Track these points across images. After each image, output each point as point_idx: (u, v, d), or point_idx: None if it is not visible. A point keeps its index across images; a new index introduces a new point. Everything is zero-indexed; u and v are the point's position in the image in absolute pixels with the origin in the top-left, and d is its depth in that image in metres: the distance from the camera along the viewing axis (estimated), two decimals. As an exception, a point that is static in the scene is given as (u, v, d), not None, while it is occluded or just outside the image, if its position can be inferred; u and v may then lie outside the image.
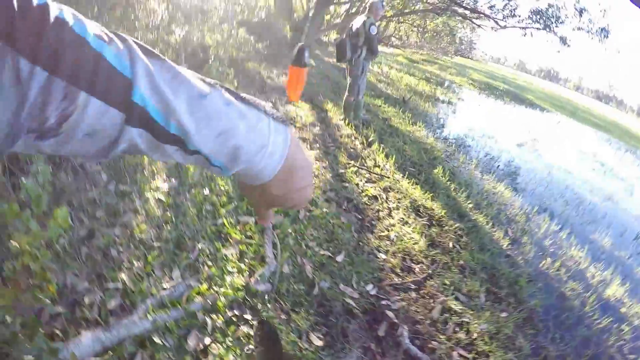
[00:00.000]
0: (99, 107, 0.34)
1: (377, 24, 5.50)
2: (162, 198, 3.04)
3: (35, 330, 1.32)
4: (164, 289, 2.21)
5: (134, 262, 2.37)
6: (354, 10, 15.49)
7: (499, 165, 6.77)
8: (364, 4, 6.08)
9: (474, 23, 14.99)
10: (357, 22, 5.50)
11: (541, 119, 16.01)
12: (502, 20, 13.52)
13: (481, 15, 13.63)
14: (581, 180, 7.86)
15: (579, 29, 12.46)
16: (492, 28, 14.00)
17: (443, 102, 11.43)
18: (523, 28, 13.35)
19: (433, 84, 14.33)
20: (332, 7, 15.48)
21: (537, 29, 13.04)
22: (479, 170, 5.97)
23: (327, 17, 15.89)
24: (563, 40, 13.14)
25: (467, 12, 13.86)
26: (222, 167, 0.44)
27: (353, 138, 5.40)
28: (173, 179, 3.29)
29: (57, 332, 1.83)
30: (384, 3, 5.89)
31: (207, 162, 0.43)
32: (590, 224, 5.49)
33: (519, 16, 13.23)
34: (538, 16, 12.79)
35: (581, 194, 6.83)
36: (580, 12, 12.30)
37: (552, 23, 12.67)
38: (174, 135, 0.39)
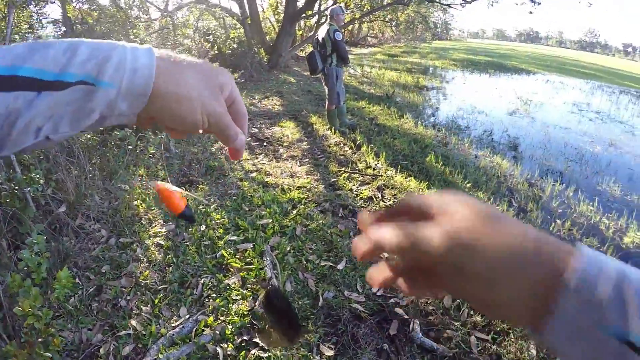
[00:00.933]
0: None
1: (341, 29, 5.59)
2: (162, 242, 3.12)
3: None
4: (173, 327, 2.28)
5: (142, 307, 2.45)
6: (323, 20, 15.73)
7: (492, 139, 6.78)
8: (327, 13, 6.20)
9: (442, 4, 15.11)
10: (321, 32, 5.60)
11: (529, 82, 15.90)
12: (467, -5, 13.62)
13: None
14: (580, 134, 7.79)
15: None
16: (460, 5, 14.08)
17: (428, 89, 11.49)
18: None
19: (416, 73, 14.40)
20: (302, 22, 15.71)
21: None
22: (475, 148, 5.99)
23: (299, 32, 16.12)
24: (532, 0, 13.18)
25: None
26: (101, 83, 0.39)
27: (341, 145, 5.46)
28: (170, 222, 3.37)
29: None
30: (343, 8, 5.96)
31: (84, 86, 0.39)
32: (595, 176, 5.43)
33: None
34: None
35: (582, 147, 6.76)
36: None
37: None
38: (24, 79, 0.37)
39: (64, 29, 7.95)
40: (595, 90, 15.66)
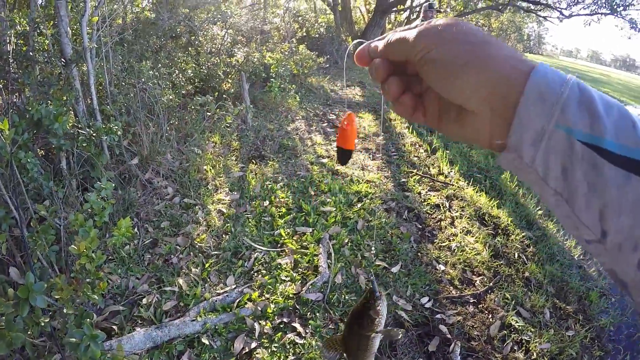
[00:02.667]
0: None
1: None
2: (224, 210, 3.17)
3: (84, 319, 1.45)
4: (218, 294, 2.30)
5: (192, 268, 2.50)
6: (414, 16, 15.36)
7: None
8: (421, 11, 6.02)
9: (539, 16, 14.20)
10: (412, 29, 5.45)
11: None
12: (566, 9, 12.69)
13: (544, 6, 12.91)
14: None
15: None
16: (557, 18, 13.16)
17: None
18: (589, 15, 12.44)
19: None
20: (392, 16, 15.44)
21: (604, 14, 12.08)
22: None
23: (389, 25, 15.86)
24: (633, 25, 12.05)
25: (530, 4, 13.21)
26: None
27: (417, 146, 5.30)
28: (235, 192, 3.42)
29: (115, 327, 1.98)
30: (433, 5, 5.74)
31: None
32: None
33: (584, 1, 12.36)
34: (604, 0, 11.86)
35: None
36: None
37: (619, 7, 11.67)
38: None
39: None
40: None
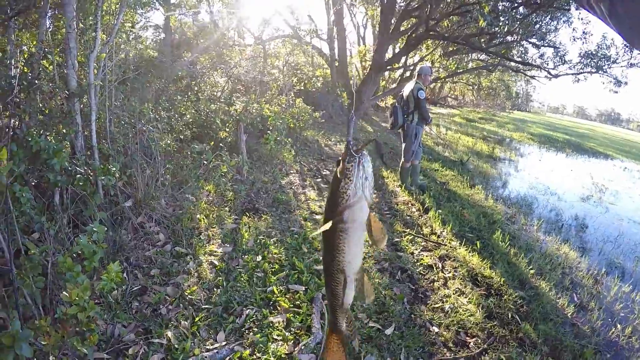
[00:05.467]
0: None
1: (425, 88, 5.58)
2: (216, 262, 3.13)
3: None
4: (208, 350, 2.23)
5: (182, 321, 2.43)
6: (408, 74, 15.90)
7: (562, 225, 6.35)
8: (415, 70, 6.25)
9: (527, 75, 14.84)
10: (407, 89, 5.64)
11: (606, 167, 14.89)
12: (554, 69, 13.31)
13: (532, 66, 13.53)
14: (656, 233, 7.14)
15: (631, 65, 11.93)
16: (545, 77, 13.76)
17: (502, 160, 11.13)
18: (576, 74, 13.03)
19: (491, 142, 14.04)
20: (386, 73, 15.98)
21: (590, 72, 12.67)
22: (542, 231, 5.64)
23: (382, 82, 16.38)
24: (617, 82, 12.63)
25: (519, 65, 13.83)
26: None
27: (409, 205, 5.34)
28: (227, 245, 3.39)
29: None
30: (432, 68, 5.99)
31: None
32: (667, 282, 4.91)
33: (570, 62, 12.97)
34: (589, 59, 12.45)
35: (656, 248, 6.17)
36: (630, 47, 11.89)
37: (604, 64, 12.28)
38: None
39: (163, 35, 8.56)
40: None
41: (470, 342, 2.76)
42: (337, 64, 13.06)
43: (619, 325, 3.47)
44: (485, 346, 2.73)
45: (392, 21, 12.21)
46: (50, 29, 4.00)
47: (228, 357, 2.19)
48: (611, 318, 3.64)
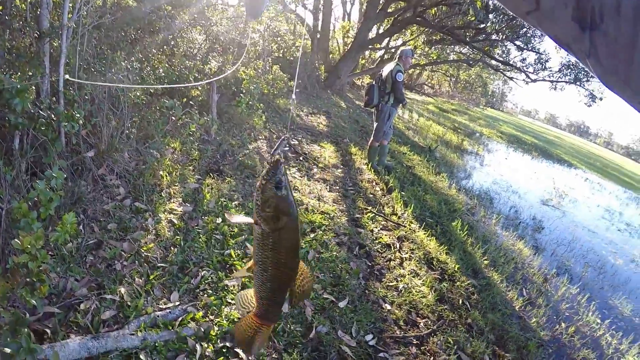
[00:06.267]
0: None
1: (404, 71, 5.58)
2: (175, 221, 3.06)
3: (21, 326, 1.33)
4: (160, 309, 2.19)
5: (136, 278, 2.38)
6: (388, 56, 15.86)
7: (520, 222, 6.60)
8: (396, 52, 6.21)
9: (506, 76, 15.14)
10: (386, 69, 5.62)
11: (569, 175, 15.54)
12: (533, 73, 13.62)
13: (513, 68, 13.80)
14: (606, 241, 7.51)
15: (609, 83, 12.52)
16: (523, 80, 14.09)
17: (470, 153, 11.37)
18: (554, 82, 13.39)
19: (461, 134, 14.30)
20: (367, 52, 15.87)
21: (568, 82, 13.05)
22: (500, 226, 5.83)
23: (362, 61, 16.27)
24: (592, 96, 13.09)
25: (500, 64, 14.04)
26: None
27: (374, 183, 5.39)
28: (188, 204, 3.32)
29: (47, 331, 1.84)
30: (413, 53, 5.96)
31: None
32: (611, 289, 5.19)
33: (550, 69, 13.31)
34: (569, 70, 12.83)
35: (604, 256, 6.51)
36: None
37: (582, 77, 12.68)
38: None
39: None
40: (631, 201, 15.11)
41: (420, 323, 2.84)
42: (318, 36, 12.86)
43: (563, 324, 3.66)
44: (435, 328, 2.82)
45: (381, 1, 12.08)
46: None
47: (180, 318, 2.16)
48: (556, 316, 3.83)
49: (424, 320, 2.88)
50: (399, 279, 3.28)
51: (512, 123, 35.81)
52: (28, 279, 1.55)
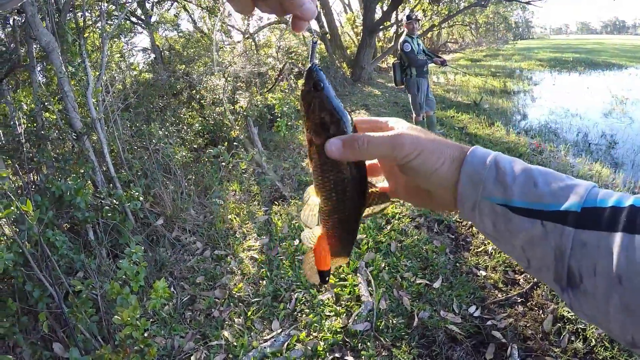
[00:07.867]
0: None
1: (410, 39, 5.40)
2: (256, 256, 3.20)
3: None
4: (265, 340, 2.30)
5: (235, 319, 2.51)
6: (402, 30, 15.54)
7: (589, 144, 6.18)
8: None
9: (520, 1, 14.25)
10: (400, 45, 5.52)
11: (622, 77, 14.24)
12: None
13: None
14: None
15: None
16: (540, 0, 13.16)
17: (516, 93, 10.85)
18: None
19: (501, 76, 13.67)
20: (380, 33, 15.65)
21: None
22: (571, 155, 5.51)
23: (379, 43, 16.06)
24: None
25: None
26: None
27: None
28: (264, 236, 3.45)
29: None
30: (411, 15, 5.71)
31: None
32: None
33: None
34: None
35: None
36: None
37: None
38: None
39: (153, 55, 8.62)
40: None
41: (519, 279, 2.75)
42: (329, 37, 12.87)
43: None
44: (536, 280, 2.72)
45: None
46: (43, 81, 4.11)
47: (286, 342, 2.25)
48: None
49: (522, 276, 2.78)
50: (485, 242, 3.20)
51: (546, 47, 33.64)
52: (136, 347, 1.69)
